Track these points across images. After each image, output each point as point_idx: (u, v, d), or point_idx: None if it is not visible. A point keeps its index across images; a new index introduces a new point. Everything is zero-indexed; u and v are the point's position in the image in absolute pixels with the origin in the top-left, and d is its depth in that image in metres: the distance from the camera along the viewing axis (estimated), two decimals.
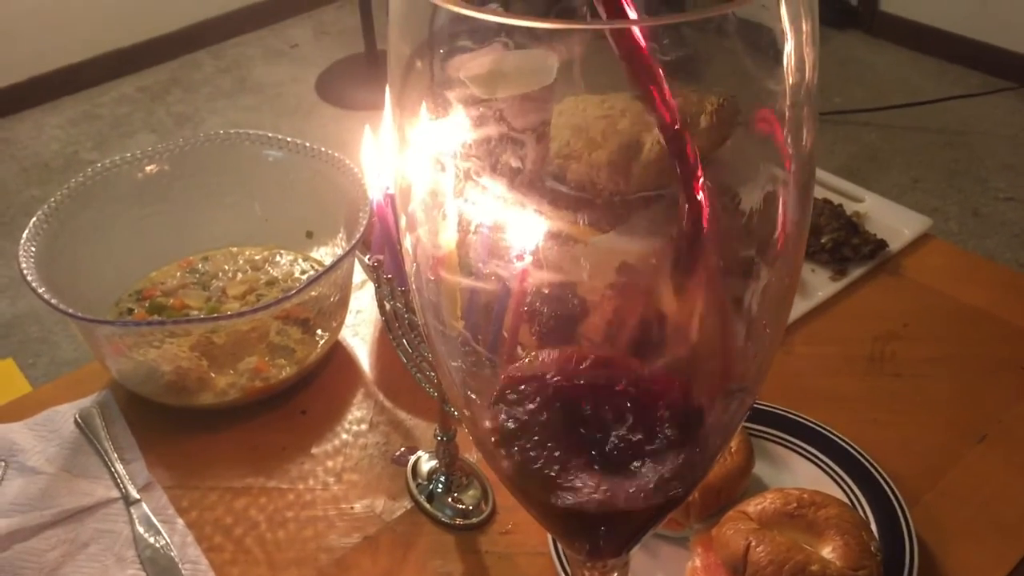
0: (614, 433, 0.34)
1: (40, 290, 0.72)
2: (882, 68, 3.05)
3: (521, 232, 0.34)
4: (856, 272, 0.92)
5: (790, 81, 0.31)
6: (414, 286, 0.34)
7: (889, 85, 2.92)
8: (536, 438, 0.33)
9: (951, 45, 3.02)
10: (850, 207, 0.99)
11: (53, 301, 0.71)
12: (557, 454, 0.34)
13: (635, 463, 0.35)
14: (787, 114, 0.32)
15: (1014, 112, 2.77)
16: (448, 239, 0.30)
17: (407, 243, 0.32)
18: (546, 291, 0.35)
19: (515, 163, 0.28)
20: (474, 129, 0.28)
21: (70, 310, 0.70)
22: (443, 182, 0.30)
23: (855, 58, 3.13)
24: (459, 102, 0.28)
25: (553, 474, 0.34)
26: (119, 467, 0.75)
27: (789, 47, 0.30)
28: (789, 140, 0.33)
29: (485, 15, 0.25)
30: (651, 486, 0.35)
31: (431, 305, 0.33)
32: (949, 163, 2.57)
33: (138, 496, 0.73)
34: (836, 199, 0.99)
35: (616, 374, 0.35)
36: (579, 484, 0.35)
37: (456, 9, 0.26)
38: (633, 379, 0.36)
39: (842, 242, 0.94)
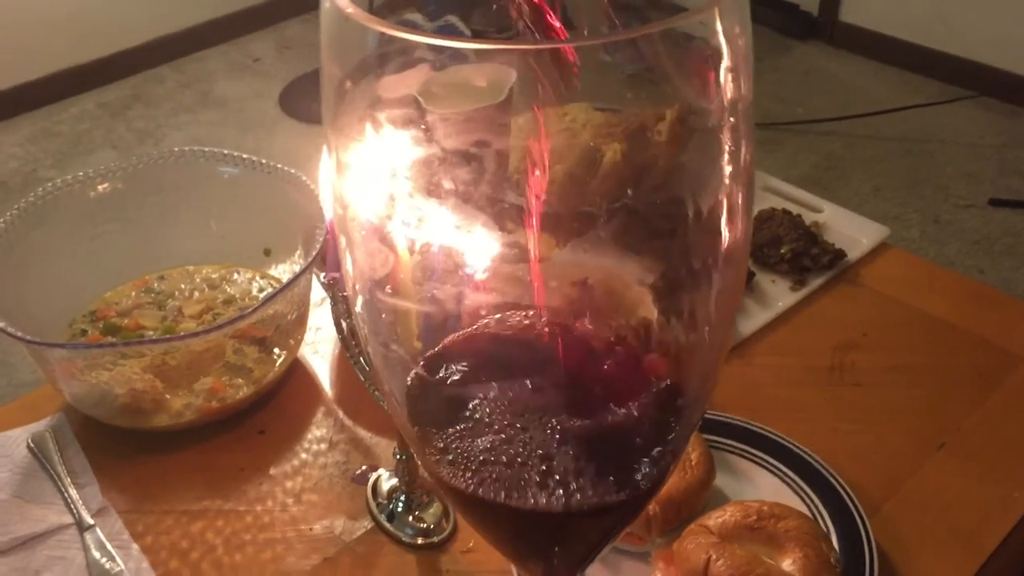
0: (561, 441, 0.34)
1: None
2: (843, 78, 3.08)
3: (466, 251, 0.33)
4: (816, 282, 0.93)
5: (728, 96, 0.31)
6: (356, 309, 0.33)
7: (850, 94, 2.95)
8: (475, 452, 0.33)
9: (910, 54, 3.06)
10: (809, 217, 0.99)
11: (1, 325, 0.70)
12: (499, 466, 0.34)
13: (584, 475, 0.34)
14: (726, 128, 0.32)
15: (972, 120, 2.81)
16: (385, 262, 0.29)
17: (347, 266, 0.32)
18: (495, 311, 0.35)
19: (448, 184, 0.27)
20: (408, 151, 0.28)
21: (18, 333, 0.69)
22: (379, 205, 0.29)
23: (817, 68, 3.16)
24: (391, 123, 0.27)
25: (500, 492, 0.34)
26: (72, 492, 0.74)
27: (725, 63, 0.30)
28: (729, 154, 0.33)
29: (415, 36, 0.25)
30: (605, 498, 0.35)
31: (371, 328, 0.32)
32: (910, 171, 2.60)
33: (92, 521, 0.71)
34: (795, 209, 1.00)
35: (563, 381, 0.35)
36: (528, 496, 0.34)
37: (387, 31, 0.26)
38: (582, 391, 0.35)
39: (801, 252, 0.94)
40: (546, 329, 0.34)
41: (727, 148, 0.33)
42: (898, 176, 2.57)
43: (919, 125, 2.78)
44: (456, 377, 0.33)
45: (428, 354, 0.33)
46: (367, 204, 0.30)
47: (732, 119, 0.32)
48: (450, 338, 0.33)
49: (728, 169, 0.34)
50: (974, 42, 2.91)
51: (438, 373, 0.33)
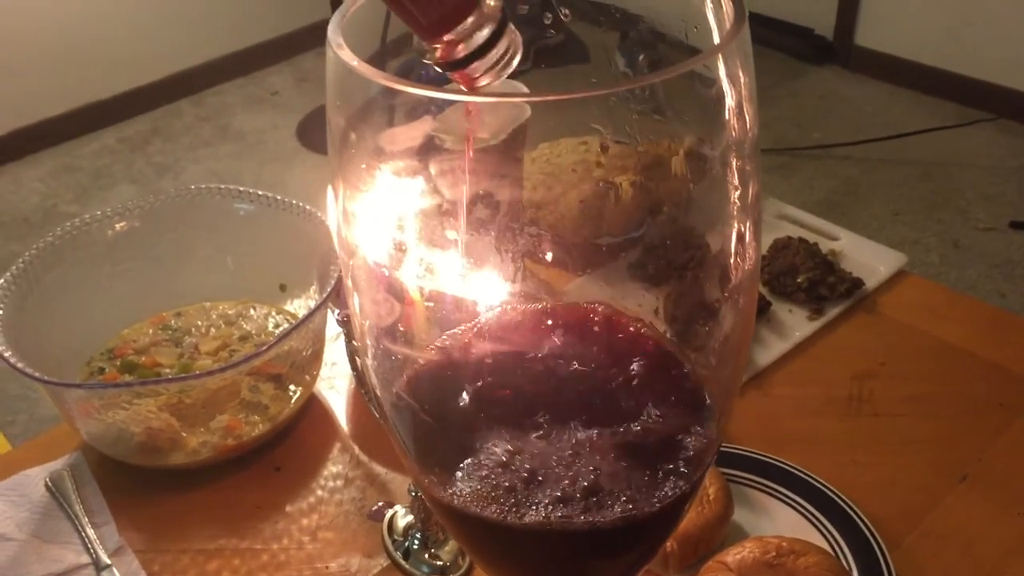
0: (573, 478, 0.34)
1: (6, 353, 0.71)
2: (860, 102, 3.08)
3: (475, 297, 0.33)
4: (833, 311, 0.92)
5: (734, 135, 0.31)
6: (366, 357, 0.33)
7: (867, 119, 2.95)
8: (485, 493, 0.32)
9: (927, 77, 3.05)
10: (825, 245, 0.99)
11: (19, 365, 0.70)
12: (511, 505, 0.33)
13: (597, 512, 0.34)
14: (733, 166, 0.32)
15: (991, 142, 2.79)
16: (391, 311, 0.29)
17: (355, 313, 0.32)
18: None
19: (452, 234, 0.27)
20: (412, 201, 0.28)
21: (36, 373, 0.69)
22: (385, 254, 0.29)
23: (833, 93, 3.15)
24: (395, 174, 0.27)
25: (510, 531, 0.33)
26: (89, 531, 0.74)
27: (730, 102, 0.30)
28: (736, 191, 0.33)
29: (417, 89, 0.25)
30: (618, 535, 0.34)
31: (379, 375, 0.32)
32: (928, 195, 2.58)
33: (108, 561, 0.71)
34: (811, 238, 0.99)
35: (573, 417, 0.35)
36: (540, 534, 0.33)
37: (390, 84, 0.26)
38: (592, 426, 0.35)
39: (818, 281, 0.93)
40: (554, 363, 0.33)
41: (734, 185, 0.33)
42: (917, 200, 2.56)
43: (937, 148, 2.76)
44: (461, 417, 0.33)
45: (414, 380, 0.33)
46: (373, 253, 0.30)
47: (737, 157, 0.32)
48: (452, 373, 0.33)
49: (736, 205, 0.34)
50: (991, 64, 2.90)
51: (442, 412, 0.33)
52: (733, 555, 0.63)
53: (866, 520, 0.68)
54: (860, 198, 2.59)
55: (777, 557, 0.62)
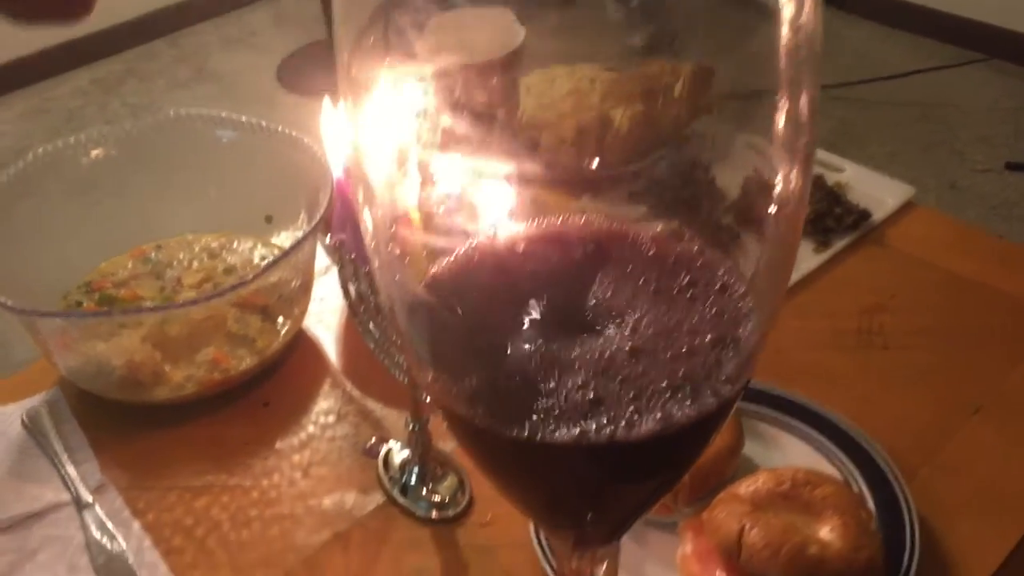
0: (607, 385, 0.30)
1: None
2: (855, 43, 3.03)
3: (489, 189, 0.30)
4: (840, 243, 0.89)
5: (786, 41, 0.27)
6: (375, 262, 0.30)
7: (862, 60, 2.91)
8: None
9: (922, 18, 3.01)
10: (831, 177, 0.96)
11: None
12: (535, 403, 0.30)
13: (635, 425, 0.31)
14: (783, 78, 0.29)
15: (987, 83, 2.76)
16: (410, 195, 0.26)
17: (366, 215, 0.29)
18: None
19: (472, 129, 0.24)
20: (434, 91, 0.24)
21: (9, 302, 0.65)
22: (402, 141, 0.26)
23: (828, 33, 3.06)
24: (416, 64, 0.24)
25: (530, 433, 0.30)
26: (69, 469, 0.70)
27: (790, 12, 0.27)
28: (786, 107, 0.29)
29: None
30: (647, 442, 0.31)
31: (390, 277, 0.29)
32: (925, 136, 2.55)
33: (91, 499, 0.68)
34: (816, 169, 0.96)
35: (603, 304, 0.32)
36: (563, 435, 0.30)
37: None
38: (630, 337, 0.32)
39: (825, 213, 0.90)
40: (591, 267, 0.30)
41: (784, 102, 0.30)
42: (913, 141, 2.53)
43: (933, 90, 2.73)
44: (487, 318, 0.29)
45: (436, 280, 0.29)
46: (387, 142, 0.26)
47: (791, 66, 0.29)
48: (480, 268, 0.30)
49: (786, 122, 0.30)
50: (986, 4, 2.86)
51: (466, 312, 0.29)
52: (746, 487, 0.61)
53: (881, 451, 0.66)
54: (856, 139, 2.55)
55: (792, 488, 0.60)
